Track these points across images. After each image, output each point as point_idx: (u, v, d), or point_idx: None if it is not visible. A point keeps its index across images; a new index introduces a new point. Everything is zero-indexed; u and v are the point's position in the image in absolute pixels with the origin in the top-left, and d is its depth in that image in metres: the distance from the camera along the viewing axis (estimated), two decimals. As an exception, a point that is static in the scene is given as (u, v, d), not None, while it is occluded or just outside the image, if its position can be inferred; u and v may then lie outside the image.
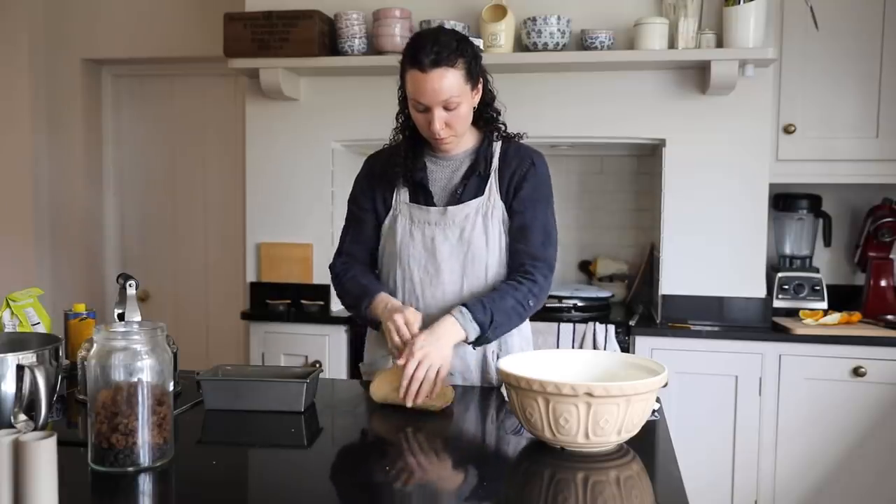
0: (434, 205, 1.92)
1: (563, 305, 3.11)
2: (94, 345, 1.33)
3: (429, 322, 1.81)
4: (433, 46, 1.76)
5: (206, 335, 3.94)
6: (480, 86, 1.88)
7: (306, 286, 3.26)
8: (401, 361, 1.70)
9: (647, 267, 3.39)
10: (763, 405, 2.87)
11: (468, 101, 1.84)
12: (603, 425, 1.36)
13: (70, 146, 3.87)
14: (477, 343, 1.83)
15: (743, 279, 3.00)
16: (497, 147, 1.95)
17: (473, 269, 1.89)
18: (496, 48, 2.93)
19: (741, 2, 2.77)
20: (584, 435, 1.37)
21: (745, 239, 3.00)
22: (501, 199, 1.91)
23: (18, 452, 1.08)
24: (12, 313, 1.93)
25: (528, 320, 1.99)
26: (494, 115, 1.95)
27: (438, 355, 1.71)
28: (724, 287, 3.00)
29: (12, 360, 1.42)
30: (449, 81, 1.77)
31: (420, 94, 1.79)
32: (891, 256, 3.23)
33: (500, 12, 2.95)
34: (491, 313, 1.79)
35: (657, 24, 2.86)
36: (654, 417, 1.61)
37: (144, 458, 1.30)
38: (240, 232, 3.61)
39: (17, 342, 1.60)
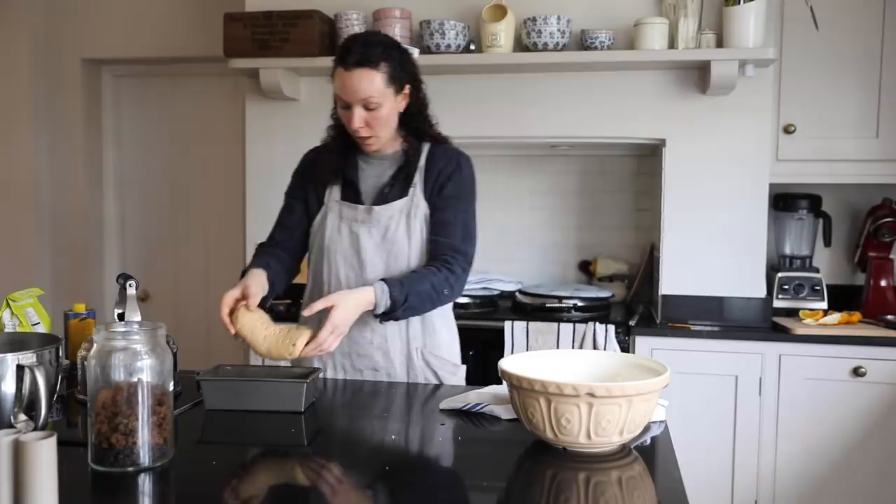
0: (362, 203, 1.99)
1: (563, 305, 3.10)
2: (94, 345, 1.33)
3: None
4: (361, 48, 1.85)
5: (206, 335, 3.94)
6: (407, 92, 1.94)
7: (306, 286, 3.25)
8: (306, 312, 1.81)
9: (647, 267, 3.39)
10: (763, 405, 2.87)
11: (390, 104, 1.90)
12: (605, 426, 1.36)
13: (70, 146, 3.86)
14: (383, 318, 1.87)
15: (743, 279, 3.00)
16: (425, 149, 2.01)
17: (396, 267, 1.95)
18: (496, 48, 2.93)
19: (741, 2, 2.77)
20: (585, 435, 1.37)
21: (745, 239, 3.00)
22: (425, 198, 1.97)
23: (18, 452, 1.07)
24: (12, 313, 1.93)
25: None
26: (424, 124, 2.00)
27: (345, 323, 1.77)
28: (724, 287, 3.00)
29: (12, 360, 1.42)
30: (369, 82, 1.84)
31: (342, 90, 1.88)
32: (891, 256, 3.23)
33: (500, 12, 2.95)
34: (406, 294, 1.84)
35: (657, 24, 2.86)
36: (660, 419, 1.60)
37: (144, 458, 1.30)
38: (240, 232, 3.61)
39: (17, 342, 1.60)
